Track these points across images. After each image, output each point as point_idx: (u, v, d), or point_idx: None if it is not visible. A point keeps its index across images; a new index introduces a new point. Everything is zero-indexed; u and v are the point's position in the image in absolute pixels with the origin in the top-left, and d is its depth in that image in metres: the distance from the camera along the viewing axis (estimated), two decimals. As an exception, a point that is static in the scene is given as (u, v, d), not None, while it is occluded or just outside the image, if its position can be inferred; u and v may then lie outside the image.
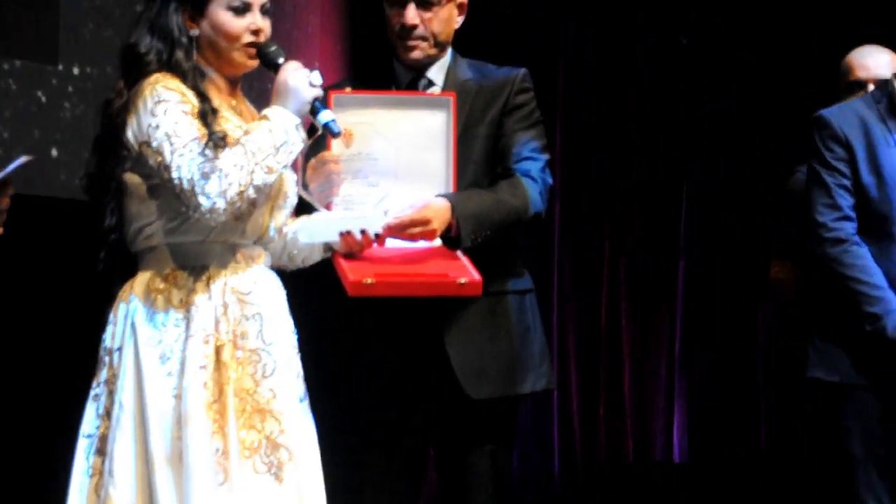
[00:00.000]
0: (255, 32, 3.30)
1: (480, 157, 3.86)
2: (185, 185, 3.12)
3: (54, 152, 4.91)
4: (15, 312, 4.55)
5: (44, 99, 4.89)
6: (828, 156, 3.99)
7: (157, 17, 3.30)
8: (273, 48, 3.32)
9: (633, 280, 6.46)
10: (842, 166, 3.98)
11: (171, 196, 3.19)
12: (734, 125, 6.36)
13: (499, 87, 3.91)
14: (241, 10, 3.29)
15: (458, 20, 3.93)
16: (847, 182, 3.97)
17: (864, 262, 3.92)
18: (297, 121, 3.24)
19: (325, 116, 3.30)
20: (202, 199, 3.12)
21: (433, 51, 3.89)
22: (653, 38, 6.40)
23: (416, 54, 3.88)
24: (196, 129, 3.16)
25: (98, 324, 3.32)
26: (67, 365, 3.80)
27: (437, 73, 3.92)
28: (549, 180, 3.90)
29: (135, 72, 3.26)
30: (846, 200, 3.96)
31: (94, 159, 3.30)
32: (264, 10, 3.33)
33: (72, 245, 4.44)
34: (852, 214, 3.97)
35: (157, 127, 3.15)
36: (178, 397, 3.18)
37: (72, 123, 4.95)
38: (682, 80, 6.44)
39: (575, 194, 6.43)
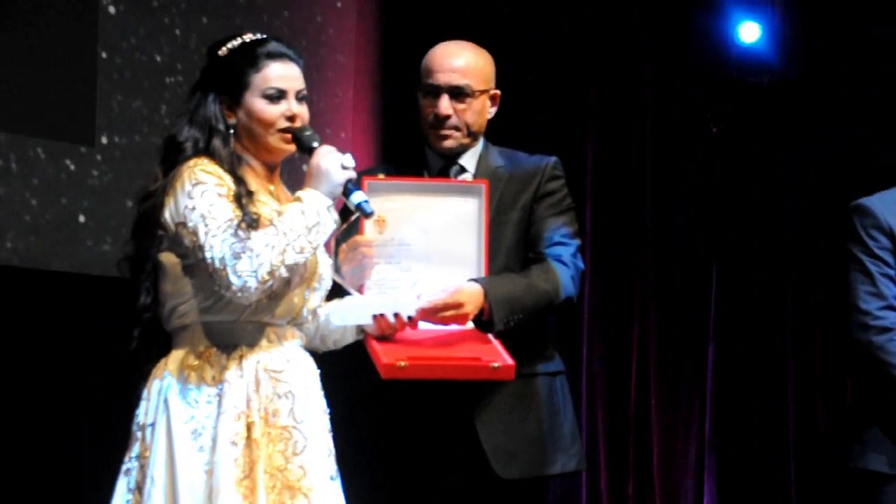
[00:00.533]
0: (291, 118, 3.35)
1: (512, 243, 3.89)
2: (217, 265, 3.17)
3: (81, 219, 4.94)
4: (43, 387, 4.56)
5: (72, 167, 4.92)
6: (871, 244, 3.96)
7: (196, 108, 3.37)
8: (308, 132, 3.36)
9: (662, 360, 6.43)
10: (886, 255, 3.96)
11: (206, 276, 3.23)
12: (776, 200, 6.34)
13: (530, 174, 3.95)
14: (276, 98, 3.34)
15: (491, 111, 3.98)
16: (891, 272, 3.95)
17: None
18: (329, 202, 3.28)
19: (357, 197, 3.34)
20: (233, 279, 3.16)
21: (466, 140, 3.93)
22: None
23: (448, 143, 3.92)
24: (231, 210, 3.21)
25: (129, 400, 3.36)
26: (98, 440, 3.82)
27: (469, 160, 3.96)
28: (581, 265, 3.92)
29: (172, 158, 3.33)
30: (890, 290, 3.94)
31: (132, 243, 3.35)
32: (300, 97, 3.38)
33: (102, 321, 4.48)
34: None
35: (194, 209, 3.21)
36: (210, 472, 3.21)
37: (99, 191, 5.00)
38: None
39: (603, 274, 6.42)
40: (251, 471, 3.21)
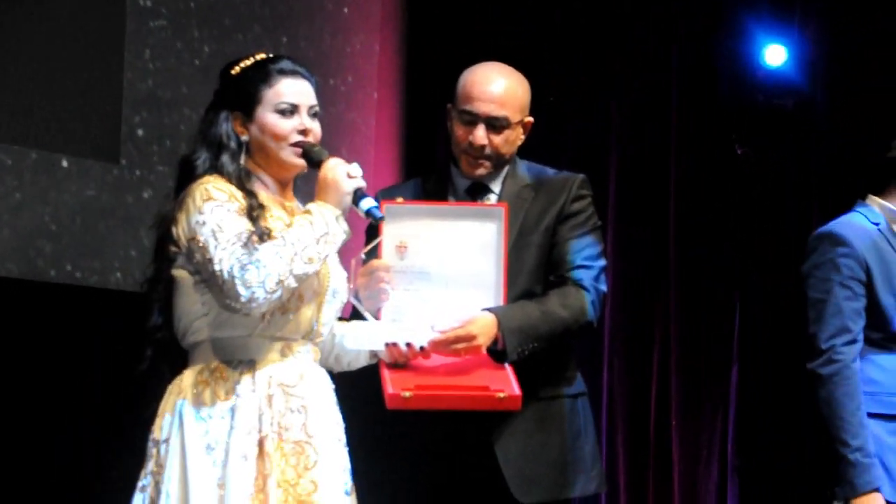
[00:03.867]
0: (303, 132, 3.40)
1: (533, 266, 3.86)
2: (226, 276, 3.20)
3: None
4: (46, 390, 4.60)
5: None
6: (846, 274, 3.97)
7: (208, 126, 3.43)
8: (317, 147, 3.41)
9: (683, 381, 6.40)
10: (857, 287, 3.99)
11: (217, 291, 3.26)
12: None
13: (555, 193, 3.92)
14: (289, 112, 3.40)
15: (522, 137, 3.94)
16: (860, 305, 3.98)
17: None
18: (338, 212, 3.31)
19: (365, 204, 3.35)
20: (241, 290, 3.19)
21: (495, 169, 3.91)
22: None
23: (480, 171, 3.90)
24: (242, 224, 3.26)
25: (133, 408, 3.42)
26: (113, 457, 3.85)
27: (495, 181, 3.93)
28: (603, 288, 3.88)
29: (184, 177, 3.39)
30: (857, 325, 3.98)
31: (152, 265, 3.41)
32: (312, 113, 3.44)
33: (121, 338, 4.49)
34: (860, 337, 3.98)
35: (204, 223, 3.26)
36: (222, 486, 3.24)
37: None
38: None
39: (624, 294, 6.41)
40: (264, 485, 3.24)
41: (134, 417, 3.40)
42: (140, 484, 3.33)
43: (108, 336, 4.61)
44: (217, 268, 3.21)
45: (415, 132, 6.20)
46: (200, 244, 3.25)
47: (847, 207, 4.24)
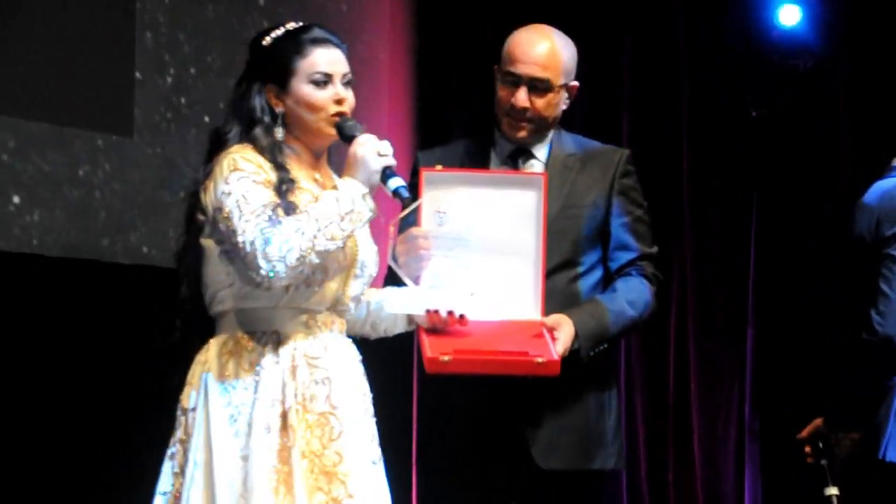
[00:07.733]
0: (339, 102, 3.37)
1: (577, 237, 3.87)
2: (248, 248, 3.19)
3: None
4: (94, 373, 4.61)
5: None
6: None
7: (241, 98, 3.40)
8: (350, 122, 3.38)
9: (701, 344, 6.42)
10: None
11: (241, 261, 3.26)
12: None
13: (603, 166, 3.95)
14: (323, 83, 3.36)
15: (567, 102, 3.94)
16: None
17: None
18: (365, 190, 3.28)
19: (393, 183, 3.32)
20: (262, 263, 3.18)
21: (538, 133, 3.91)
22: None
23: (521, 134, 3.90)
24: (266, 196, 3.24)
25: (171, 386, 3.41)
26: (145, 425, 3.85)
27: (539, 148, 3.94)
28: (660, 276, 3.97)
29: (215, 148, 3.37)
30: None
31: (182, 235, 3.41)
32: (346, 82, 3.40)
33: (148, 309, 4.48)
34: None
35: (230, 194, 3.24)
36: (245, 458, 3.25)
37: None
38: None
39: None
40: (288, 457, 3.25)
41: (163, 386, 3.42)
42: (169, 451, 3.35)
43: (129, 308, 4.61)
44: (240, 239, 3.19)
45: (427, 95, 6.16)
46: (225, 214, 3.23)
47: (867, 168, 4.25)
